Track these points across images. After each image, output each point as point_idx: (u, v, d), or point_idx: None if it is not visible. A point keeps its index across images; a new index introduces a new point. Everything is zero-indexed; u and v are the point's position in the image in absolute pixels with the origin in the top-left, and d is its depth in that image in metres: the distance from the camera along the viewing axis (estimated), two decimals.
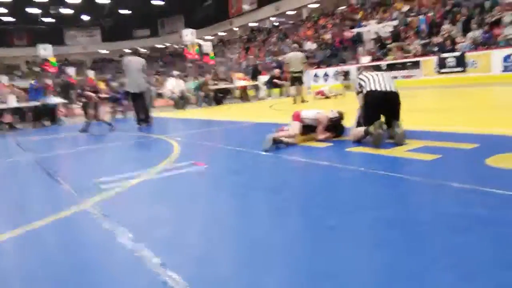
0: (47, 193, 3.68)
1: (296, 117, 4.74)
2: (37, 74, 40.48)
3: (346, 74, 15.60)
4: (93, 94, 8.80)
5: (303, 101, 11.29)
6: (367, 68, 5.27)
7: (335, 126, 4.73)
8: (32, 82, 14.63)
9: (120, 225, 2.40)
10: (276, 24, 33.45)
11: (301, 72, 11.40)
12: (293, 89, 11.57)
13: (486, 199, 2.30)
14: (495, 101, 8.03)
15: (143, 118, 8.79)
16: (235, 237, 2.17)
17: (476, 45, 13.49)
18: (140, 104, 8.83)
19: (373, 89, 4.31)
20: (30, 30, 41.10)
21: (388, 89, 4.29)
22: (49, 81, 14.88)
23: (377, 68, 16.49)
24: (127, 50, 48.46)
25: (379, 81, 4.35)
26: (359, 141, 4.25)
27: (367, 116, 4.24)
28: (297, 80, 11.45)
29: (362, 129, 4.19)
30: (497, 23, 13.99)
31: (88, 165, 5.00)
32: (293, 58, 11.50)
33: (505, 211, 2.11)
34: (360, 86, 4.50)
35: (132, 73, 8.67)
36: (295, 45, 13.97)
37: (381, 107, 4.30)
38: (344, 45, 20.59)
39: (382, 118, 4.17)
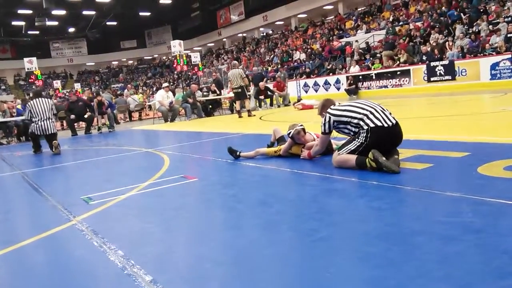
0: (34, 210, 3.59)
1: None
2: (22, 87, 40.16)
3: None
4: None
5: (240, 115, 11.75)
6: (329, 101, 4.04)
7: None
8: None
9: (110, 241, 2.34)
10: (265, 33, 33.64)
11: (240, 87, 11.82)
12: (238, 104, 12.06)
13: (478, 208, 2.28)
14: (485, 109, 8.11)
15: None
16: (226, 252, 2.12)
17: (464, 54, 13.70)
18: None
19: (379, 124, 3.34)
20: (14, 42, 40.73)
21: (393, 121, 3.39)
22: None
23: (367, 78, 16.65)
24: (114, 62, 48.38)
25: (377, 111, 3.41)
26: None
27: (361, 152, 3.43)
28: (237, 95, 11.95)
29: (352, 158, 3.45)
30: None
31: (76, 180, 4.91)
32: (232, 75, 12.00)
33: (498, 219, 2.10)
34: (349, 123, 3.45)
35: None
36: (235, 61, 14.57)
37: (386, 146, 3.42)
38: (333, 55, 20.76)
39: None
